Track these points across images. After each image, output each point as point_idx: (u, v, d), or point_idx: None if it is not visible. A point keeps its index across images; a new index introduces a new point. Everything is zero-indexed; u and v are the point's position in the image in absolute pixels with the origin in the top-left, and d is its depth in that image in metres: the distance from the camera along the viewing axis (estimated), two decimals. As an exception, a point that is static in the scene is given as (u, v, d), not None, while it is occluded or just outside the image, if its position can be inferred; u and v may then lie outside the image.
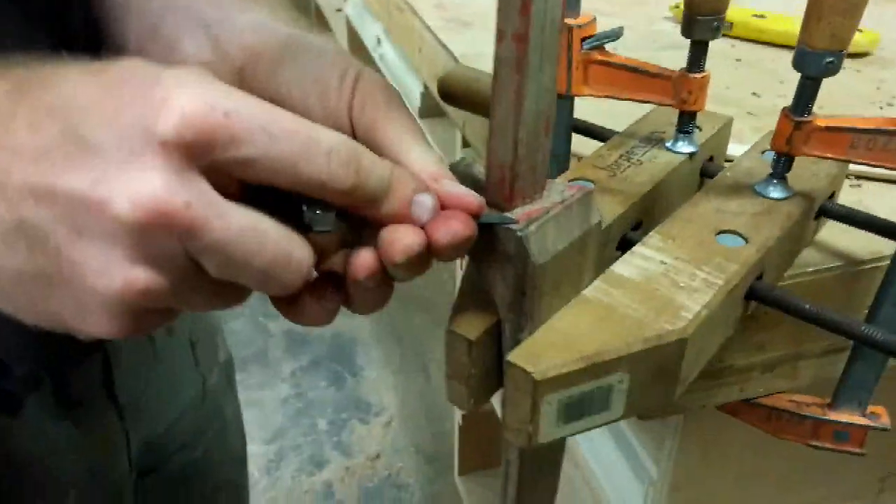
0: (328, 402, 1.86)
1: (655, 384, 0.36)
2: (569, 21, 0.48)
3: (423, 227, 0.31)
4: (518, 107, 0.32)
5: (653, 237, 0.42)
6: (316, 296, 0.31)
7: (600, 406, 0.35)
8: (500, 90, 0.32)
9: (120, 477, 0.55)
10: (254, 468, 1.69)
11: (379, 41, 1.22)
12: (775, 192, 0.45)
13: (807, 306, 0.40)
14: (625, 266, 0.39)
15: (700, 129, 0.52)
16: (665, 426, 0.59)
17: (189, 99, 0.25)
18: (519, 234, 0.32)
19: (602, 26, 0.48)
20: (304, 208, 0.29)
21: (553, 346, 0.34)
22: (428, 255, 0.31)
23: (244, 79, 0.36)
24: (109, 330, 0.27)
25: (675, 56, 0.53)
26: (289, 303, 0.31)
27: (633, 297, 0.37)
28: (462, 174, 0.35)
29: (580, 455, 0.75)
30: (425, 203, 0.31)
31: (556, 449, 0.47)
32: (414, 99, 1.06)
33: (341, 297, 0.32)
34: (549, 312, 0.35)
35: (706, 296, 0.37)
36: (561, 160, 0.53)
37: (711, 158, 0.53)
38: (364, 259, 0.30)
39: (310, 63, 0.34)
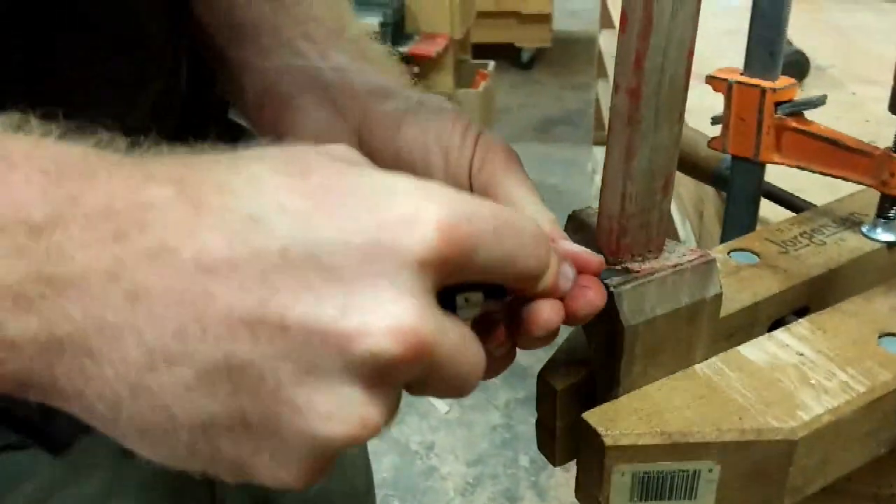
0: (534, 440, 1.85)
1: (755, 485, 0.33)
2: (763, 83, 0.45)
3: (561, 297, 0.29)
4: (628, 161, 0.31)
5: (801, 324, 0.37)
6: None
7: (683, 492, 0.32)
8: (612, 142, 0.31)
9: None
10: (450, 487, 1.74)
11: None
12: (980, 301, 0.38)
13: (980, 440, 0.33)
14: (754, 349, 0.36)
15: (913, 217, 0.45)
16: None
17: (440, 210, 0.22)
18: (612, 290, 0.31)
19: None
20: (457, 296, 0.26)
21: (636, 413, 0.32)
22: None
23: (362, 140, 0.37)
24: (298, 483, 0.23)
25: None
26: None
27: (748, 384, 0.34)
28: (579, 221, 0.35)
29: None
30: (568, 275, 0.30)
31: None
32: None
33: None
34: (645, 380, 0.34)
35: (837, 400, 0.33)
36: (744, 228, 0.49)
37: (927, 253, 0.46)
38: (498, 336, 0.29)
39: (431, 123, 0.36)
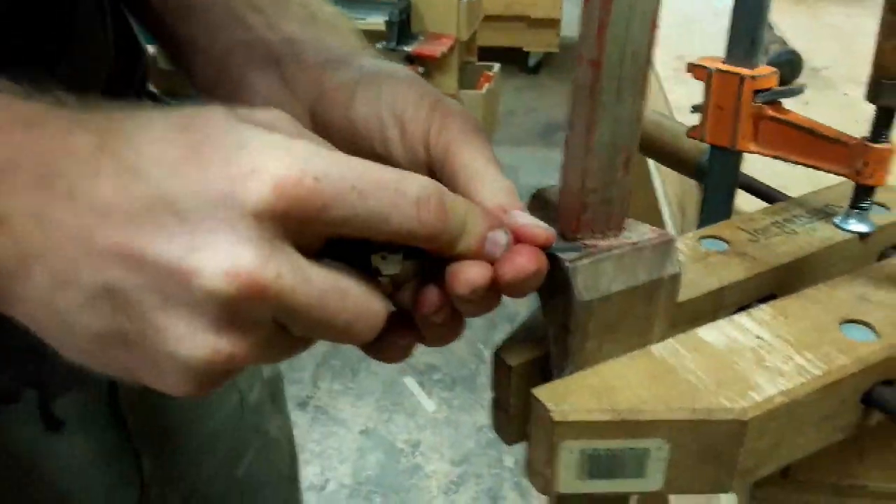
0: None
1: (706, 465, 0.32)
2: (742, 70, 0.45)
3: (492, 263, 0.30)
4: (589, 135, 0.31)
5: (763, 309, 0.37)
6: (390, 334, 0.31)
7: (633, 471, 0.32)
8: (574, 116, 0.31)
9: (132, 498, 0.53)
10: (434, 485, 1.73)
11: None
12: (946, 294, 0.38)
13: (936, 430, 0.33)
14: (712, 331, 0.36)
15: (888, 210, 0.45)
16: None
17: (278, 166, 0.25)
18: (567, 265, 0.31)
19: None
20: (372, 255, 0.29)
21: (587, 390, 0.32)
22: (496, 290, 0.30)
23: (316, 113, 0.37)
24: (186, 391, 0.27)
25: None
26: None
27: (703, 365, 0.33)
28: (542, 199, 0.35)
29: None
30: (499, 241, 0.30)
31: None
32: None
33: (414, 334, 0.32)
34: (599, 357, 0.33)
35: (791, 382, 0.32)
36: (720, 218, 0.49)
37: (901, 248, 0.45)
38: (430, 297, 0.30)
39: (385, 92, 0.35)
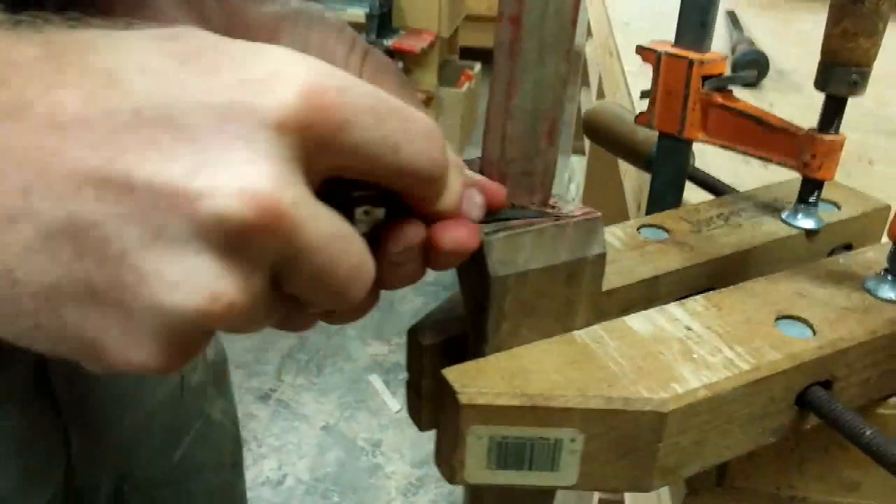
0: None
1: (623, 461, 0.30)
2: (691, 54, 0.43)
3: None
4: (508, 99, 0.28)
5: (697, 300, 0.35)
6: None
7: (544, 463, 0.30)
8: (495, 78, 0.29)
9: (55, 478, 0.49)
10: (393, 486, 1.71)
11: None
12: (887, 292, 0.36)
13: (866, 432, 0.31)
14: (640, 320, 0.34)
15: (838, 208, 0.44)
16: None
17: (304, 71, 0.21)
18: (482, 237, 0.29)
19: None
20: (356, 207, 0.26)
21: (500, 372, 0.30)
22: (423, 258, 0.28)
23: None
24: (157, 362, 0.22)
25: None
26: None
27: (625, 353, 0.31)
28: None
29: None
30: (476, 201, 0.28)
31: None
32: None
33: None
34: (516, 340, 0.31)
35: (717, 376, 0.31)
36: (666, 208, 0.47)
37: (850, 247, 0.44)
38: (415, 231, 0.27)
39: (312, 32, 0.33)
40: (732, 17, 0.97)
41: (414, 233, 0.26)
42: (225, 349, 0.69)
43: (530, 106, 0.29)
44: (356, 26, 2.43)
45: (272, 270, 0.22)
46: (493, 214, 0.30)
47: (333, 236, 0.22)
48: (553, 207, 0.31)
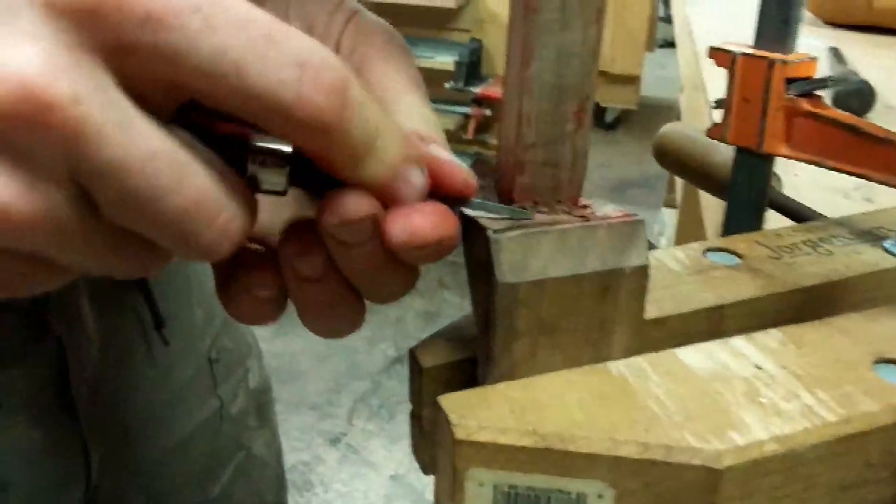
0: None
1: (664, 526, 0.24)
2: (772, 55, 0.37)
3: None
4: (524, 69, 0.24)
5: (770, 334, 0.29)
6: (244, 271, 0.25)
7: (563, 521, 0.24)
8: (510, 46, 0.24)
9: (72, 498, 0.46)
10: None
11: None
12: None
13: None
14: (696, 353, 0.27)
15: (957, 238, 0.36)
16: None
17: None
18: (490, 234, 0.24)
19: None
20: (249, 156, 0.22)
21: (508, 403, 0.24)
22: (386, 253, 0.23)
23: None
24: None
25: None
26: (221, 286, 0.25)
27: (673, 391, 0.25)
28: (483, 166, 0.28)
29: None
30: (413, 180, 0.23)
31: None
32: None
33: (276, 281, 0.25)
34: (533, 365, 0.26)
35: (793, 426, 0.24)
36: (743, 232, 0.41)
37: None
38: (297, 230, 0.23)
39: None
40: (836, 53, 0.90)
41: (355, 204, 0.21)
42: (270, 378, 0.65)
43: (552, 80, 0.24)
44: (444, 74, 2.45)
45: (76, 185, 0.19)
46: (504, 212, 0.25)
47: (156, 154, 0.19)
48: (585, 208, 0.26)
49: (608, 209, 0.26)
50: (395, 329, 2.21)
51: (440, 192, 0.23)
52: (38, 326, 0.42)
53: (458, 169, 0.23)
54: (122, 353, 0.48)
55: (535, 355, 0.25)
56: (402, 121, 0.25)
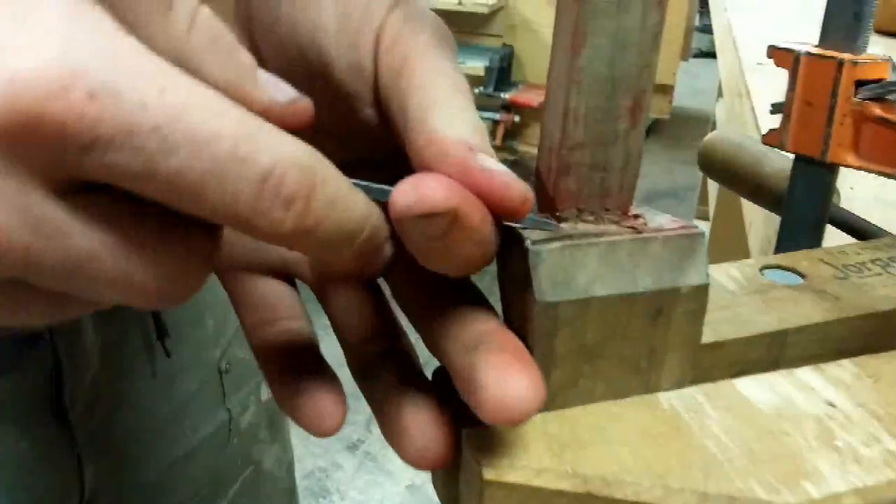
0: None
1: (722, 588, 0.21)
2: (840, 54, 0.34)
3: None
4: (574, 57, 0.21)
5: (843, 365, 0.25)
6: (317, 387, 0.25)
7: (605, 577, 0.21)
8: (556, 31, 0.21)
9: None
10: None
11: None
12: None
13: None
14: (758, 385, 0.24)
15: None
16: None
17: (28, 59, 0.15)
18: (528, 245, 0.21)
19: None
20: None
21: (543, 439, 0.21)
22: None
23: None
24: None
25: None
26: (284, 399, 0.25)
27: (734, 430, 0.22)
28: (524, 169, 0.25)
29: None
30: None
31: None
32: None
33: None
34: (574, 395, 0.22)
35: (875, 477, 0.20)
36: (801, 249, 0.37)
37: None
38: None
39: None
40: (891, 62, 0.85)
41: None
42: None
43: (605, 69, 0.21)
44: (474, 79, 2.42)
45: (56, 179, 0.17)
46: (543, 221, 0.22)
47: (92, 258, 0.17)
48: (636, 218, 0.23)
49: (662, 219, 0.23)
50: (416, 336, 2.19)
51: (491, 208, 0.20)
52: (32, 331, 0.40)
53: (514, 182, 0.20)
54: (121, 363, 0.46)
55: (575, 384, 0.22)
56: (447, 128, 0.22)
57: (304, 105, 0.21)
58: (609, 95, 0.21)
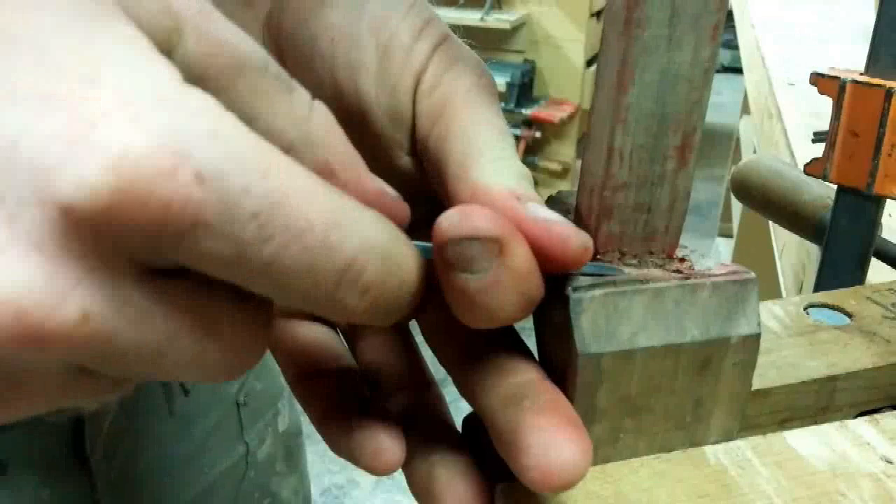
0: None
1: None
2: (888, 82, 0.32)
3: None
4: (620, 94, 0.19)
5: (899, 418, 0.24)
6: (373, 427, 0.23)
7: None
8: (601, 65, 0.20)
9: None
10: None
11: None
12: None
13: None
14: (810, 439, 0.23)
15: None
16: None
17: (136, 135, 0.14)
18: (569, 292, 0.20)
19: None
20: None
21: (587, 499, 0.20)
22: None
23: (272, 25, 0.26)
24: None
25: None
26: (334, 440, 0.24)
27: (786, 489, 0.21)
28: (560, 205, 0.24)
29: None
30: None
31: None
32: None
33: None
34: (615, 450, 0.21)
35: (942, 546, 0.19)
36: (844, 285, 0.36)
37: None
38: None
39: (369, 4, 0.24)
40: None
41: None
42: (301, 420, 0.62)
43: (653, 106, 0.20)
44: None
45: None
46: (605, 267, 0.20)
47: (169, 334, 0.16)
48: (682, 262, 0.22)
49: (709, 262, 0.22)
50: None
51: (548, 260, 0.19)
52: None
53: (572, 230, 0.19)
54: (140, 405, 0.46)
55: (617, 440, 0.21)
56: (491, 176, 0.21)
57: (405, 205, 0.21)
58: (657, 134, 0.20)
